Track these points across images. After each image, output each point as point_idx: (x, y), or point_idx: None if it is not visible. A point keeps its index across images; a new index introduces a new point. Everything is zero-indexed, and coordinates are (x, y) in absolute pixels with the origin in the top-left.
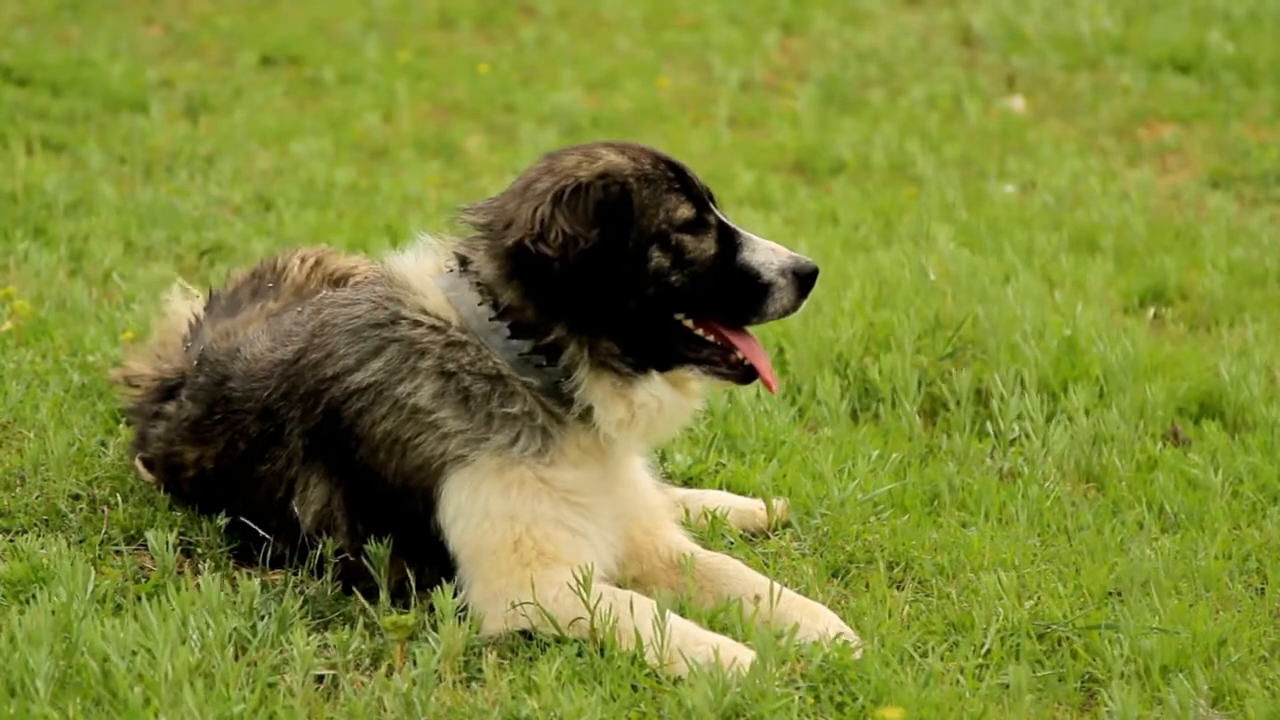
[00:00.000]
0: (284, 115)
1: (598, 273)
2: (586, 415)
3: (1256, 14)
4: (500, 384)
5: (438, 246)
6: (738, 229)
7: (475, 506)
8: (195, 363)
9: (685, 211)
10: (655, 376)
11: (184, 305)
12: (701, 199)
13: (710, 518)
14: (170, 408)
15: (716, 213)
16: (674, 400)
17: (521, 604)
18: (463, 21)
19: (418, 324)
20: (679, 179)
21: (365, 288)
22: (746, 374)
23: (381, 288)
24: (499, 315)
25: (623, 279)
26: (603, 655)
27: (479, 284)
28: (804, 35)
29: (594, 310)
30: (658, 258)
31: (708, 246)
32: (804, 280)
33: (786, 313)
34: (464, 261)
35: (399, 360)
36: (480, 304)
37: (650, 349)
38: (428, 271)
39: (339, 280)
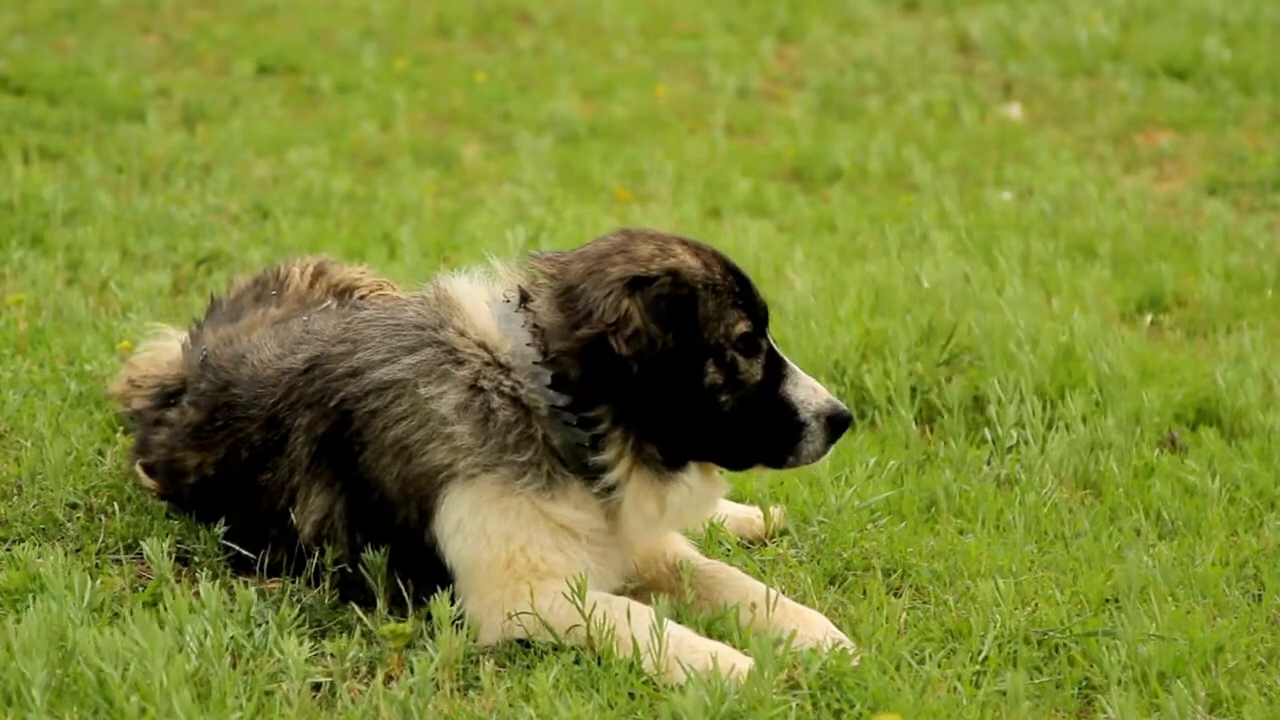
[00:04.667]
0: (281, 124)
1: (662, 378)
2: (605, 493)
3: (1253, 21)
4: (524, 421)
5: (500, 271)
6: (785, 359)
7: (474, 524)
8: (198, 368)
9: (743, 328)
10: (692, 467)
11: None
12: (760, 319)
13: (707, 525)
14: (172, 414)
15: (769, 338)
16: (703, 489)
17: (518, 614)
18: (460, 30)
19: (464, 334)
20: (743, 294)
21: (412, 300)
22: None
23: (432, 303)
24: (545, 362)
25: (679, 388)
26: (600, 663)
27: (535, 326)
28: (801, 43)
29: (649, 412)
30: (712, 373)
31: (755, 371)
32: (836, 428)
33: (814, 459)
34: (525, 298)
35: (434, 362)
36: (529, 344)
37: (695, 453)
38: (481, 296)
39: (344, 290)
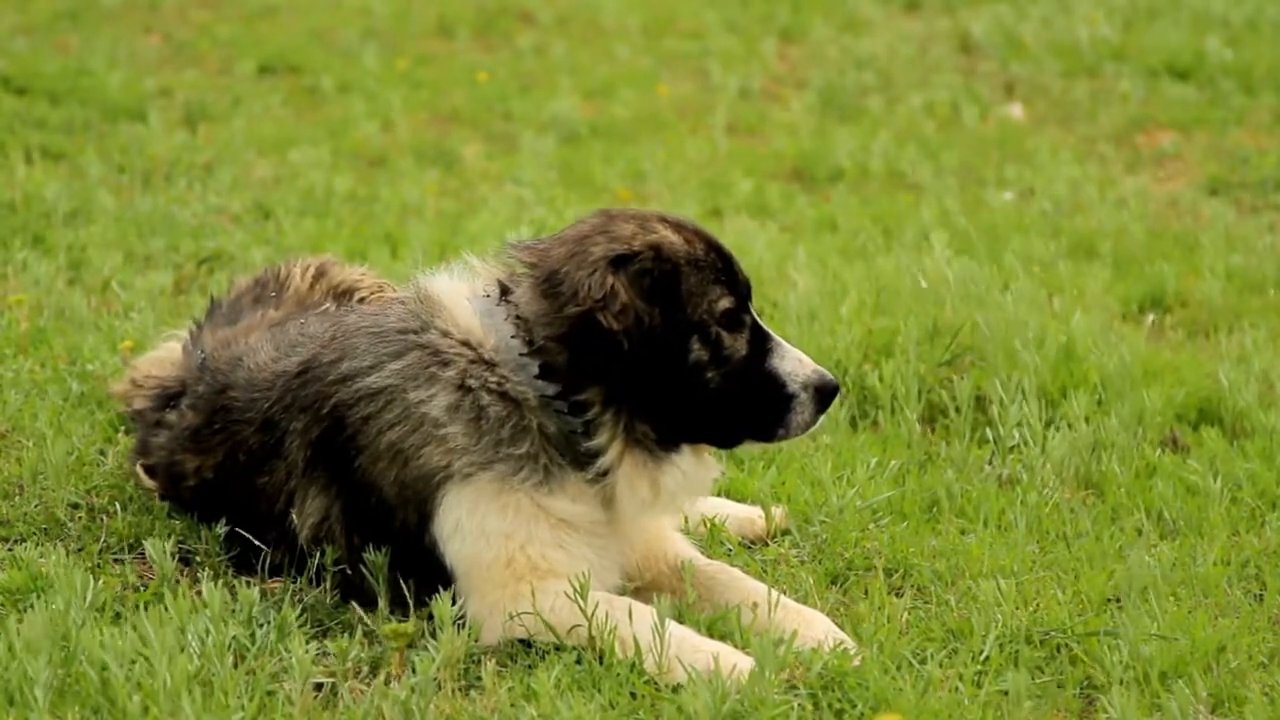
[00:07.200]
0: (282, 124)
1: (650, 355)
2: (598, 479)
3: (1255, 21)
4: (516, 414)
5: (478, 268)
6: (769, 332)
7: (472, 523)
8: (196, 371)
9: (726, 304)
10: (684, 449)
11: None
12: (742, 294)
13: (709, 525)
14: (172, 416)
15: (752, 312)
16: (696, 471)
17: (519, 614)
18: (461, 30)
19: (447, 334)
20: (725, 269)
21: (395, 303)
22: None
23: (414, 304)
24: (531, 353)
25: (666, 365)
26: (601, 663)
27: (517, 317)
28: (802, 43)
29: (638, 391)
30: (697, 350)
31: (740, 346)
32: (824, 398)
33: (804, 429)
34: (505, 291)
35: (419, 366)
36: (513, 336)
37: (685, 432)
38: (462, 293)
39: (344, 292)
